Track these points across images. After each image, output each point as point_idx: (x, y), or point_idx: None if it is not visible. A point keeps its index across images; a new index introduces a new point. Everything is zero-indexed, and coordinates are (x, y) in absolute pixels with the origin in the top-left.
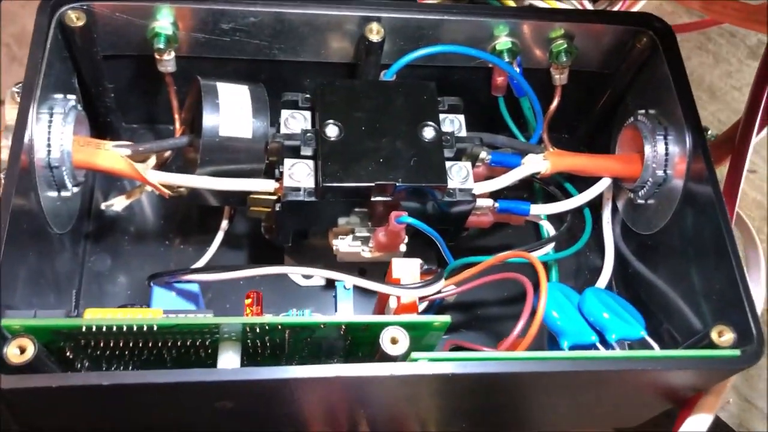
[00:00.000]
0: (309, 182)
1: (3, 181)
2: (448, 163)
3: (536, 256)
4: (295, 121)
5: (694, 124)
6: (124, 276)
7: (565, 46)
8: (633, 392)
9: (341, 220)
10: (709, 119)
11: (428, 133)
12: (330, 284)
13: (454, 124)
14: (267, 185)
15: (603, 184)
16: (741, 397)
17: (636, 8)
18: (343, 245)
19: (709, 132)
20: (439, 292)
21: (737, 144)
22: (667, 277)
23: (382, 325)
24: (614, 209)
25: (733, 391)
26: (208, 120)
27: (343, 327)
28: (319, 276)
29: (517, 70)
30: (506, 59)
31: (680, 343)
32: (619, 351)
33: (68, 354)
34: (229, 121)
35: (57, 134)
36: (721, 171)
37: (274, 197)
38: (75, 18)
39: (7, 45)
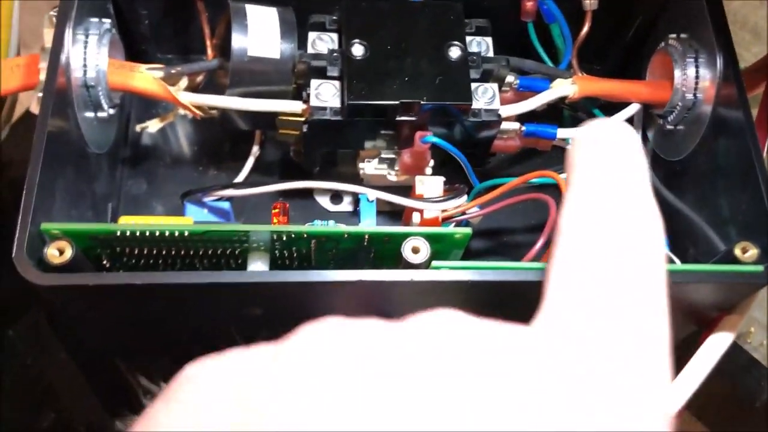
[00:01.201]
0: (335, 102)
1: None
2: (474, 84)
3: (563, 176)
4: (323, 43)
5: (726, 47)
6: (160, 199)
7: None
8: None
9: (368, 143)
10: (752, 60)
11: (454, 52)
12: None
13: (481, 45)
14: (294, 106)
15: (631, 110)
16: None
17: None
18: (370, 168)
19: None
20: (463, 213)
21: None
22: (695, 202)
23: (404, 236)
24: (644, 139)
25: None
26: (237, 41)
27: (366, 237)
28: (344, 192)
29: None
30: None
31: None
32: None
33: (105, 262)
34: (258, 41)
35: (92, 55)
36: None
37: (302, 119)
38: None
39: None
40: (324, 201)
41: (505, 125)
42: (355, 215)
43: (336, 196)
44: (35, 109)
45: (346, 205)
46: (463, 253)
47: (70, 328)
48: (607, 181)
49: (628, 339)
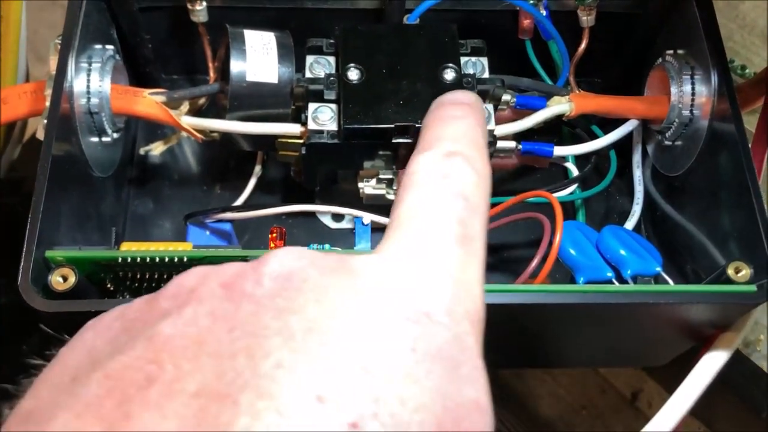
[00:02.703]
0: (332, 125)
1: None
2: None
3: (559, 196)
4: (320, 66)
5: (720, 64)
6: (166, 218)
7: None
8: (652, 328)
9: (366, 163)
10: (761, 65)
11: (449, 75)
12: None
13: (476, 66)
14: (293, 129)
15: (629, 126)
16: None
17: None
18: (368, 188)
19: (747, 71)
20: None
21: None
22: (693, 218)
23: None
24: (644, 153)
25: None
26: (236, 66)
27: None
28: (342, 214)
29: (544, 12)
30: (531, 1)
31: (704, 280)
32: (631, 285)
33: (109, 286)
34: (256, 66)
35: (96, 82)
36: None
37: (301, 141)
38: None
39: (64, 6)
40: (326, 219)
41: (502, 144)
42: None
43: (337, 214)
44: (41, 135)
45: (347, 223)
46: None
47: None
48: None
49: (438, 256)
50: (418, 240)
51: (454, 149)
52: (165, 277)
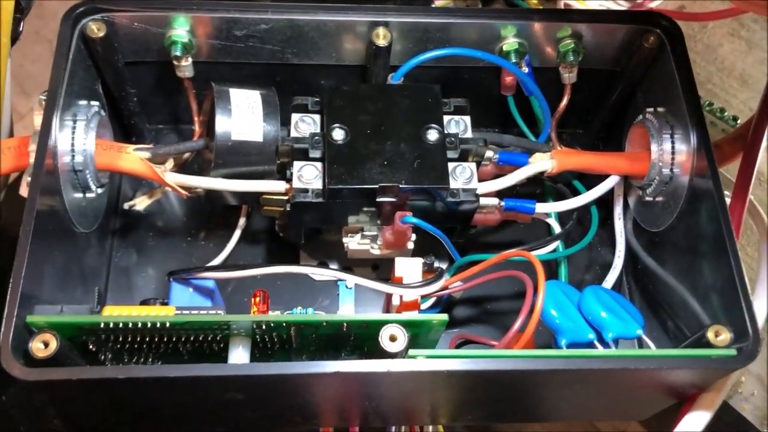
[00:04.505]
0: (317, 184)
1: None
2: (452, 164)
3: (542, 253)
4: (305, 125)
5: (699, 123)
6: (150, 270)
7: (573, 45)
8: (632, 389)
9: (351, 219)
10: (740, 108)
11: (432, 135)
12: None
13: (459, 125)
14: (278, 186)
15: (610, 183)
16: (767, 389)
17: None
18: (353, 243)
19: (738, 121)
20: (445, 288)
21: (750, 138)
22: (674, 274)
23: (381, 323)
24: (626, 205)
25: (758, 381)
26: (221, 124)
27: (345, 324)
28: (324, 275)
29: (525, 70)
30: (513, 60)
31: (688, 338)
32: (612, 350)
33: (91, 347)
34: (241, 125)
35: (80, 139)
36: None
37: (286, 197)
38: (96, 29)
39: (50, 41)
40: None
41: (484, 200)
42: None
43: (322, 264)
44: (24, 192)
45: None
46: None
47: (60, 405)
48: None
49: None
50: None
51: None
52: (147, 339)
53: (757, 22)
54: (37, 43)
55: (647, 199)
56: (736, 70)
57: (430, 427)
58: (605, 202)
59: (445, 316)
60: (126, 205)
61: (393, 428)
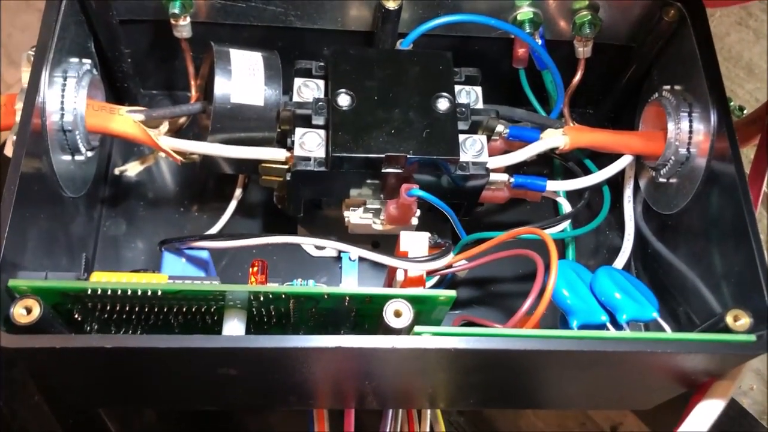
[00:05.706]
0: (320, 152)
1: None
2: (462, 136)
3: (550, 233)
4: (308, 90)
5: (720, 102)
6: (139, 241)
7: (590, 17)
8: (643, 375)
9: (353, 192)
10: (746, 98)
11: (442, 104)
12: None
13: (470, 95)
14: (278, 154)
15: (623, 162)
16: (766, 383)
17: None
18: (354, 217)
19: (745, 111)
20: (450, 266)
21: None
22: (687, 259)
23: (386, 298)
24: (636, 188)
25: (758, 377)
26: (220, 86)
27: (347, 298)
28: (327, 247)
29: (539, 42)
30: (528, 30)
31: (698, 325)
32: (626, 332)
33: (77, 316)
34: (241, 87)
35: (70, 98)
36: (749, 152)
37: (286, 166)
38: None
39: (39, 10)
40: (308, 247)
41: (493, 176)
42: (339, 260)
43: None
44: (9, 151)
45: (330, 251)
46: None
47: (42, 379)
48: None
49: None
50: None
51: None
52: (137, 309)
53: (765, 12)
54: (26, 12)
55: (661, 180)
56: (743, 60)
57: (428, 411)
58: (614, 185)
59: (453, 293)
60: (117, 170)
61: (390, 411)
